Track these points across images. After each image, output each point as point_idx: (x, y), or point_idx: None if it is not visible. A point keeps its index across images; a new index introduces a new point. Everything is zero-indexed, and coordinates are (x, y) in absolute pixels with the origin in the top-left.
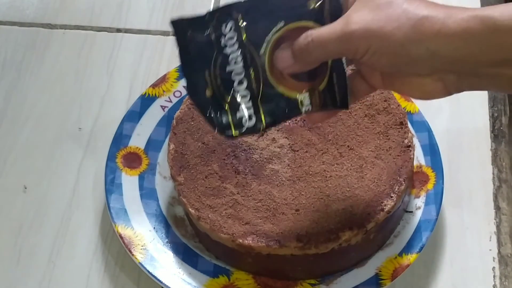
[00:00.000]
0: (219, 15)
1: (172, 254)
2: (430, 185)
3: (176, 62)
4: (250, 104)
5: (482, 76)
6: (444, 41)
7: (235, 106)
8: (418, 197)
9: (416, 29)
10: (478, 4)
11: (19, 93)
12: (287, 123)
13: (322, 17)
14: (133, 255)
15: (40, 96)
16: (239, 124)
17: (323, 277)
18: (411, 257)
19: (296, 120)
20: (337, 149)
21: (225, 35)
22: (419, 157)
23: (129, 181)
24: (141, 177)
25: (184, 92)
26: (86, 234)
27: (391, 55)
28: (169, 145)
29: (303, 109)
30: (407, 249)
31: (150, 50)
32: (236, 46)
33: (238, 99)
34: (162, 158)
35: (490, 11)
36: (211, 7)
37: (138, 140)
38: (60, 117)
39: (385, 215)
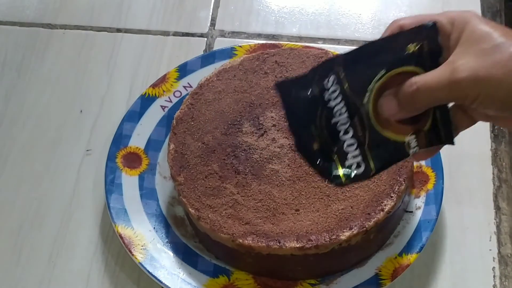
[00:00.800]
0: (321, 71)
1: (172, 254)
2: (430, 185)
3: (176, 62)
4: (357, 152)
5: None
6: None
7: (343, 155)
8: (418, 197)
9: None
10: (478, 5)
11: (19, 93)
12: (287, 123)
13: (422, 60)
14: (133, 255)
15: (40, 96)
16: (348, 172)
17: (323, 277)
18: (411, 257)
19: None
20: None
21: (328, 89)
22: None
23: (129, 181)
24: (141, 177)
25: (184, 92)
26: (86, 234)
27: (502, 101)
28: (169, 145)
29: (411, 151)
30: (407, 249)
31: (150, 50)
32: (339, 98)
33: (345, 148)
34: (162, 158)
35: None
36: (211, 7)
37: (138, 140)
38: (60, 117)
39: (385, 215)
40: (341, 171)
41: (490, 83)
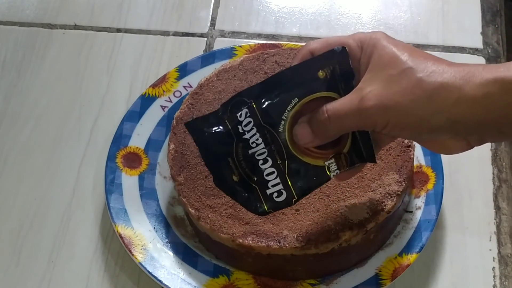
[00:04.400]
0: (232, 106)
1: (172, 254)
2: (430, 185)
3: (176, 62)
4: (277, 180)
5: (506, 133)
6: (464, 109)
7: (264, 184)
8: (418, 197)
9: (433, 101)
10: (478, 5)
11: (19, 93)
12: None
13: (334, 84)
14: (133, 255)
15: (40, 96)
16: (270, 201)
17: (323, 277)
18: (411, 257)
19: None
20: None
21: (241, 122)
22: (419, 157)
23: (129, 181)
24: (141, 177)
25: (184, 92)
26: (86, 234)
27: (411, 128)
28: (169, 145)
29: (331, 174)
30: (407, 249)
31: (150, 50)
32: (254, 130)
33: (266, 177)
34: (162, 158)
35: (510, 72)
36: (211, 7)
37: (138, 140)
38: (60, 117)
39: (385, 215)
40: (263, 200)
41: (398, 110)
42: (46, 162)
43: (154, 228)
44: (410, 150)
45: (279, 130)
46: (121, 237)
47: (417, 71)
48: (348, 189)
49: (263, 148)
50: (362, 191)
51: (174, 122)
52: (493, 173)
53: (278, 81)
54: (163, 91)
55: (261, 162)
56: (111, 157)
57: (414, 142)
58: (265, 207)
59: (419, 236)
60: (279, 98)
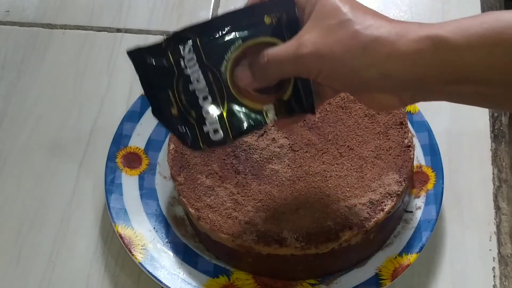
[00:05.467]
0: (176, 39)
1: (172, 254)
2: (430, 185)
3: None
4: (215, 118)
5: (438, 92)
6: (395, 64)
7: (202, 121)
8: (418, 197)
9: (366, 53)
10: (478, 5)
11: (19, 93)
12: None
13: (280, 31)
14: (133, 255)
15: (40, 96)
16: (206, 138)
17: (323, 277)
18: (411, 257)
19: None
20: (337, 149)
21: (184, 57)
22: (419, 157)
23: (129, 181)
24: (141, 177)
25: None
26: (86, 234)
27: (343, 79)
28: (169, 145)
29: (268, 120)
30: (407, 249)
31: None
32: (196, 66)
33: (204, 114)
34: (162, 158)
35: (443, 30)
36: (211, 7)
37: (138, 140)
38: (60, 117)
39: (385, 215)
40: (199, 136)
41: (331, 60)
42: (46, 162)
43: (154, 228)
44: (410, 150)
45: (221, 70)
46: (121, 237)
47: (355, 24)
48: (348, 189)
49: (204, 86)
50: (362, 191)
51: None
52: (493, 173)
53: (225, 21)
54: None
55: (201, 99)
56: (111, 157)
57: (414, 142)
58: (201, 144)
59: (419, 236)
60: (223, 38)
